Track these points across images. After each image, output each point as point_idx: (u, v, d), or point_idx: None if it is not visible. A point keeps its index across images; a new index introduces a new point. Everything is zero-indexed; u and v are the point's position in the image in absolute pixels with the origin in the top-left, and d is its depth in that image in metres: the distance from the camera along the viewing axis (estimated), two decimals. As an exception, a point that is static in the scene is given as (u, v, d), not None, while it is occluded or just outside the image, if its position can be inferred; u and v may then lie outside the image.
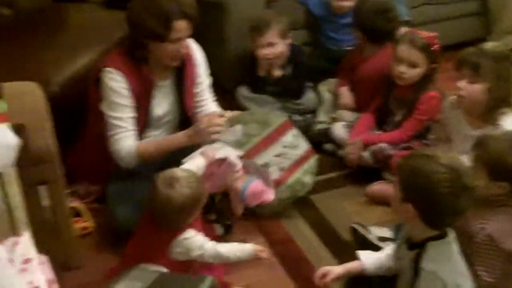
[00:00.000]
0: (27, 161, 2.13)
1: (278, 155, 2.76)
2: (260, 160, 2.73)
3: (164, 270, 0.52)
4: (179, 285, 0.52)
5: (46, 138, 2.40)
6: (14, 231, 1.45)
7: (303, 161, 2.82)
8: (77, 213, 2.76)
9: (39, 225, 1.82)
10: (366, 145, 2.98)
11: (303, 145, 2.87)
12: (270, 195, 2.45)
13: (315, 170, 2.86)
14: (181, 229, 2.16)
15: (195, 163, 2.38)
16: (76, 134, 2.91)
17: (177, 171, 2.17)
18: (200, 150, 2.47)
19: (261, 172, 2.56)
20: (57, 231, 2.47)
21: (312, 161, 2.86)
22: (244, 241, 2.61)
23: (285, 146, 2.78)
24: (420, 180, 1.79)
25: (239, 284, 2.38)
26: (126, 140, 2.57)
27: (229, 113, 2.60)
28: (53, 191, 2.38)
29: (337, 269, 2.13)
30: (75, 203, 2.79)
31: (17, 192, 1.45)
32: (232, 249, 2.25)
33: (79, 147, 2.88)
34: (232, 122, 2.70)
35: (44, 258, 1.48)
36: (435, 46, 2.87)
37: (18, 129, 2.15)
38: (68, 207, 2.48)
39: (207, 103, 2.81)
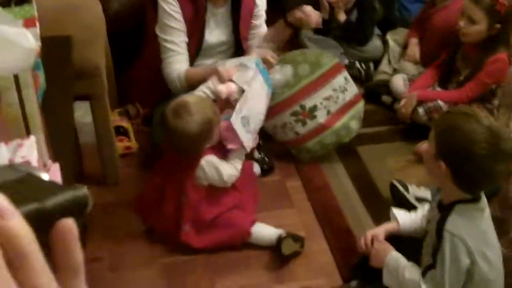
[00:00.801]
0: (70, 73, 2.14)
1: (327, 98, 2.65)
2: (309, 102, 2.63)
3: (45, 175, 0.45)
4: (39, 188, 0.46)
5: (95, 53, 2.40)
6: (26, 135, 1.45)
7: (351, 106, 2.70)
8: (124, 132, 2.78)
9: (67, 137, 1.83)
10: (422, 101, 2.83)
11: (353, 89, 2.73)
12: (232, 144, 2.28)
13: (362, 115, 2.73)
14: (199, 155, 2.15)
15: (208, 85, 2.33)
16: (133, 55, 2.91)
17: (185, 98, 2.12)
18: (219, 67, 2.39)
19: (245, 123, 2.41)
20: (99, 147, 2.51)
21: (360, 106, 2.73)
22: (280, 181, 2.58)
23: (334, 89, 2.66)
24: (456, 137, 1.67)
25: (268, 223, 2.35)
26: (177, 63, 2.54)
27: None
28: (96, 107, 2.40)
29: (380, 232, 2.04)
30: (123, 122, 2.82)
31: (33, 96, 1.44)
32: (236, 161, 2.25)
33: (135, 68, 2.89)
34: (282, 62, 2.62)
35: (53, 165, 1.47)
36: (501, 6, 2.64)
37: (64, 41, 2.17)
38: (111, 125, 2.49)
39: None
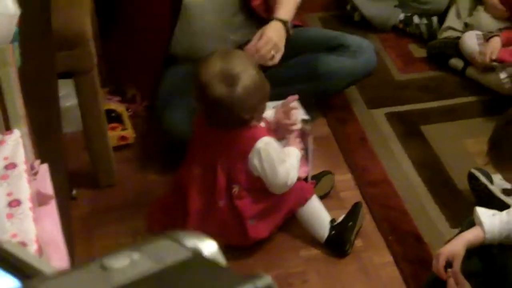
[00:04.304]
0: (52, 42, 2.12)
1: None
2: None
3: (213, 246, 0.44)
4: (208, 278, 0.43)
5: (80, 14, 2.38)
6: (6, 129, 1.43)
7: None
8: (116, 118, 2.76)
9: (51, 125, 1.81)
10: (504, 62, 2.83)
11: None
12: (301, 173, 2.37)
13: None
14: (251, 126, 2.17)
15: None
16: (125, 16, 2.87)
17: (232, 61, 2.12)
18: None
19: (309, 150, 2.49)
20: (87, 138, 2.49)
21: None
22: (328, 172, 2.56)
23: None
24: None
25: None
26: None
27: None
28: (83, 85, 2.38)
29: (459, 251, 1.99)
30: (115, 105, 2.79)
31: (14, 78, 1.41)
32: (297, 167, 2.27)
33: (127, 33, 2.84)
34: None
35: (41, 167, 1.45)
36: None
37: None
38: (102, 108, 2.47)
39: None
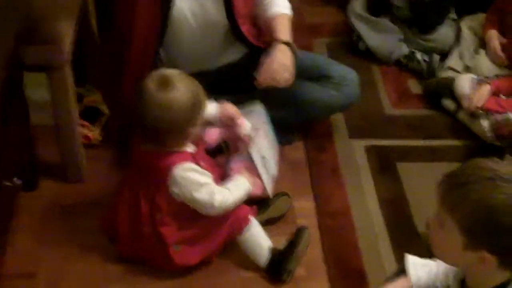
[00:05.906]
0: (24, 34, 2.14)
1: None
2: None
3: None
4: None
5: (58, 12, 2.41)
6: None
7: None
8: (96, 117, 2.78)
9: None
10: (489, 111, 2.78)
11: None
12: (256, 190, 2.34)
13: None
14: (174, 151, 2.13)
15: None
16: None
17: (164, 72, 2.11)
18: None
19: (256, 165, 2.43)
20: (56, 132, 2.51)
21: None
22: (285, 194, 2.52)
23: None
24: (502, 218, 1.48)
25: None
26: None
27: None
28: (54, 80, 2.40)
29: None
30: (103, 106, 2.82)
31: None
32: (235, 194, 2.21)
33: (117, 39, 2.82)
34: None
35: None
36: None
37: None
38: (73, 105, 2.48)
39: None
